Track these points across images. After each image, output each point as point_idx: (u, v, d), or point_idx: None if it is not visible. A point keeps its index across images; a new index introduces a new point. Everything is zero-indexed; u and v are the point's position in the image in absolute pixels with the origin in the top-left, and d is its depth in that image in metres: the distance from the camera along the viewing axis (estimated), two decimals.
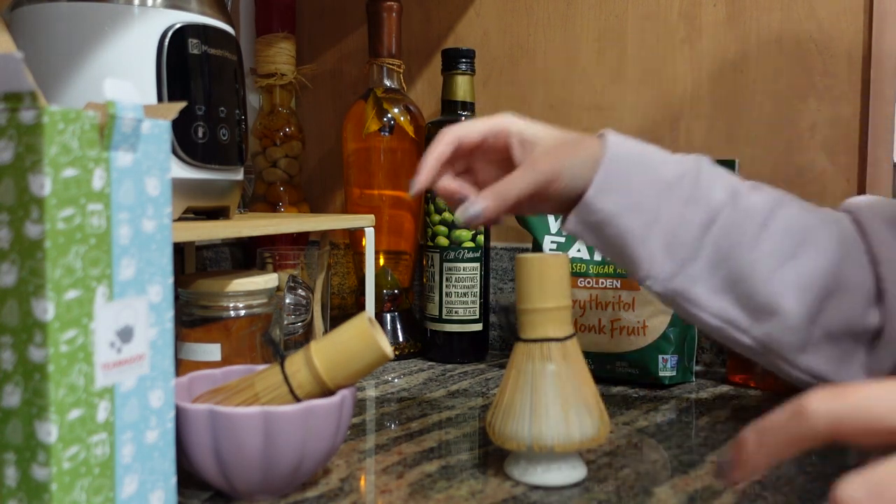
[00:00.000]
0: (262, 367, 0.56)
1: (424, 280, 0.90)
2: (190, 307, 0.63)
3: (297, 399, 0.49)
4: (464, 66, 0.88)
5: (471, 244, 0.87)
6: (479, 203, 0.55)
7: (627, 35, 0.91)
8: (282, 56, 0.97)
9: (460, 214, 0.55)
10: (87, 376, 0.36)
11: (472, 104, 0.89)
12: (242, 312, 0.63)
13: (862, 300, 0.57)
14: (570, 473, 0.51)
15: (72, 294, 0.35)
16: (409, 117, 0.91)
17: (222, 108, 0.62)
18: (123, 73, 0.56)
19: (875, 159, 0.81)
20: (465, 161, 0.60)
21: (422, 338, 0.91)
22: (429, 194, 0.88)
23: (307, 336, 0.82)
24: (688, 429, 0.64)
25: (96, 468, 0.37)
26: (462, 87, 0.88)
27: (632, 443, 0.60)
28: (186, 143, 0.59)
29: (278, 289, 0.68)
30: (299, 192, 1.00)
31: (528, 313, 0.51)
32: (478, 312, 0.88)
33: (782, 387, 0.71)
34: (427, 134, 0.90)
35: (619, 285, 0.78)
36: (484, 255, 0.88)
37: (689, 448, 0.59)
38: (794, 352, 0.57)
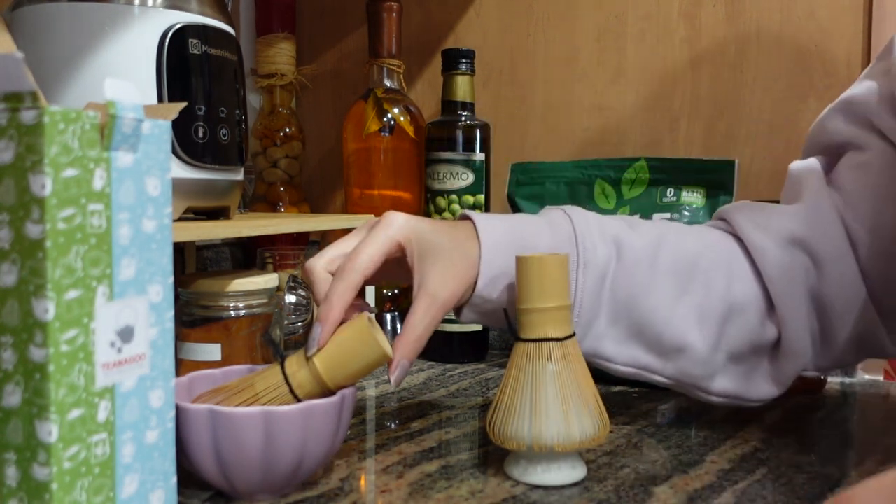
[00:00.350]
0: (262, 367, 0.57)
1: None
2: (190, 307, 0.63)
3: (298, 399, 0.49)
4: (464, 67, 0.88)
5: None
6: (400, 365, 0.52)
7: (627, 35, 0.91)
8: (282, 56, 0.97)
9: (394, 385, 0.53)
10: (87, 376, 0.36)
11: (472, 104, 0.89)
12: (242, 312, 0.63)
13: (757, 315, 0.59)
14: (569, 473, 0.51)
15: (72, 294, 0.35)
16: (409, 117, 0.91)
17: (222, 109, 0.62)
18: (124, 73, 0.56)
19: None
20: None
21: None
22: (429, 194, 0.88)
23: (307, 336, 0.82)
24: (688, 429, 0.64)
25: (96, 468, 0.37)
26: (462, 87, 0.88)
27: (632, 443, 0.60)
28: (187, 143, 0.59)
29: (278, 289, 0.68)
30: (299, 192, 1.01)
31: (528, 313, 0.51)
32: None
33: None
34: (427, 135, 0.90)
35: None
36: None
37: (689, 448, 0.59)
38: (705, 380, 0.59)
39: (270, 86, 0.97)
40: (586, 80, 0.94)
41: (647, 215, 0.80)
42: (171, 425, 0.42)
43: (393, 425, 0.65)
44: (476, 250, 0.55)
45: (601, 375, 0.78)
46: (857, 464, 0.57)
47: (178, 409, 0.45)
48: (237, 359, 0.62)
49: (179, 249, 0.85)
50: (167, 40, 0.57)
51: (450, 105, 0.88)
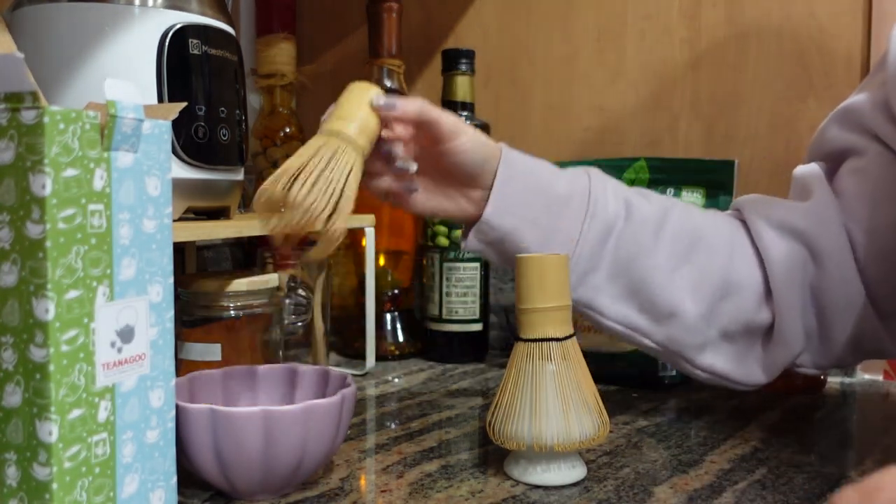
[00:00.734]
0: (262, 367, 0.57)
1: (424, 280, 0.90)
2: (190, 307, 0.63)
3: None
4: (464, 67, 0.88)
5: None
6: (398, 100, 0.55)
7: (627, 35, 0.91)
8: (282, 56, 0.97)
9: (383, 103, 0.54)
10: (87, 376, 0.36)
11: (472, 104, 0.89)
12: (242, 312, 0.63)
13: (754, 297, 0.60)
14: (569, 473, 0.52)
15: (72, 294, 0.35)
16: None
17: (223, 109, 0.62)
18: (124, 73, 0.56)
19: None
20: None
21: (422, 338, 0.91)
22: None
23: (307, 336, 0.82)
24: (688, 429, 0.64)
25: (97, 468, 0.37)
26: (462, 87, 0.88)
27: (632, 443, 0.60)
28: (187, 143, 0.59)
29: (278, 289, 0.68)
30: None
31: (528, 313, 0.51)
32: (478, 312, 0.88)
33: (782, 388, 0.71)
34: None
35: None
36: None
37: (689, 448, 0.59)
38: (693, 351, 0.60)
39: (270, 86, 0.97)
40: (586, 80, 0.94)
41: None
42: (172, 425, 0.42)
43: (393, 425, 0.65)
44: (492, 176, 0.58)
45: (601, 375, 0.78)
46: (857, 463, 0.57)
47: (178, 408, 0.45)
48: (237, 359, 0.62)
49: (179, 249, 0.85)
50: (167, 40, 0.57)
51: (450, 105, 0.88)
